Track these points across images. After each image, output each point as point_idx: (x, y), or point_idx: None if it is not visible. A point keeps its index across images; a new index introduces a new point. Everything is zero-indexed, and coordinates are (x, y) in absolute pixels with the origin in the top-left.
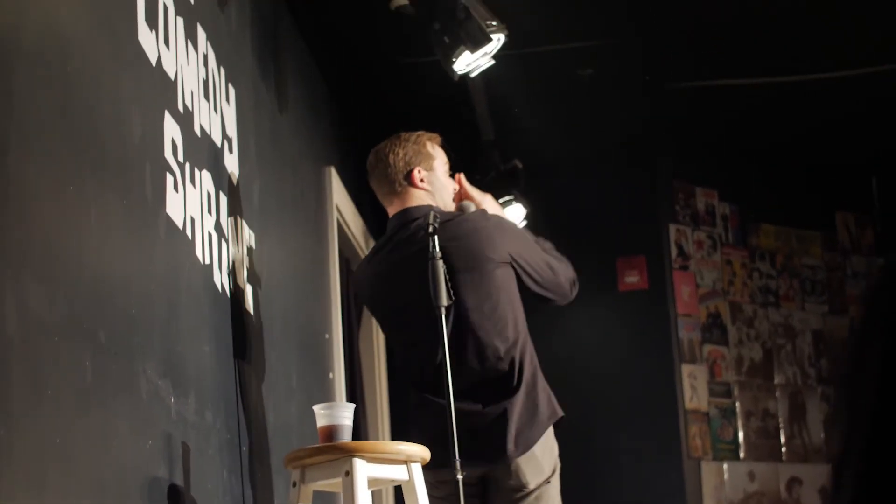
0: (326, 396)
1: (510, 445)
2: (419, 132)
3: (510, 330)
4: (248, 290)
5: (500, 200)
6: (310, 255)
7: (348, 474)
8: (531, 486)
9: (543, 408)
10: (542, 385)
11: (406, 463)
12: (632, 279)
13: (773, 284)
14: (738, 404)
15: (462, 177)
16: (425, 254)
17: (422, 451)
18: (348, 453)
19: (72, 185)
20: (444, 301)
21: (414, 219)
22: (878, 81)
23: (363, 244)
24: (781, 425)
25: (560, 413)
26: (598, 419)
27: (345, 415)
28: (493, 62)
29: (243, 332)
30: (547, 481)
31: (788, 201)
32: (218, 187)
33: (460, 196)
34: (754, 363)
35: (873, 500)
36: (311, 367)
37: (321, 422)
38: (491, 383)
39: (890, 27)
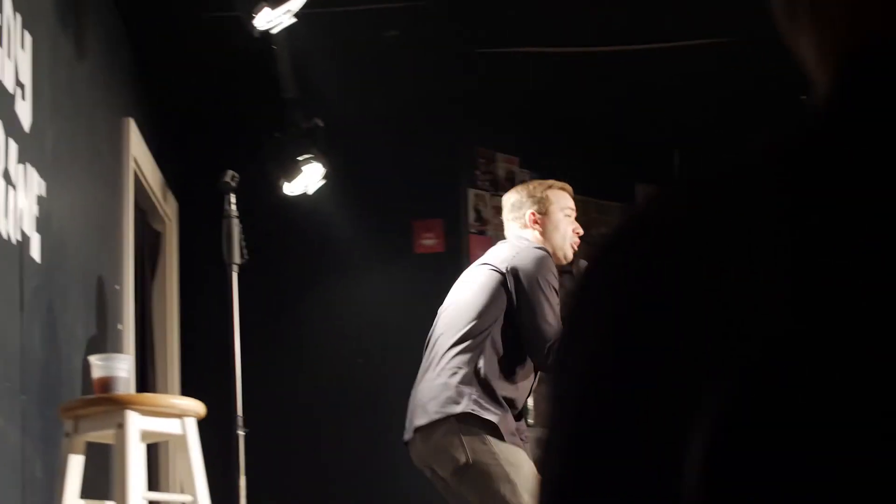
0: (114, 347)
1: None
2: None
3: None
4: (36, 238)
5: (300, 158)
6: (104, 207)
7: (121, 426)
8: None
9: None
10: None
11: (181, 417)
12: (428, 242)
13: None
14: None
15: None
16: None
17: (197, 407)
18: (122, 405)
19: None
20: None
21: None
22: (683, 56)
23: (161, 197)
24: None
25: None
26: (392, 380)
27: (121, 366)
28: (295, 20)
29: (29, 281)
30: None
31: (590, 172)
32: (8, 134)
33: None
34: None
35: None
36: (100, 318)
37: (96, 373)
38: None
39: (696, 2)
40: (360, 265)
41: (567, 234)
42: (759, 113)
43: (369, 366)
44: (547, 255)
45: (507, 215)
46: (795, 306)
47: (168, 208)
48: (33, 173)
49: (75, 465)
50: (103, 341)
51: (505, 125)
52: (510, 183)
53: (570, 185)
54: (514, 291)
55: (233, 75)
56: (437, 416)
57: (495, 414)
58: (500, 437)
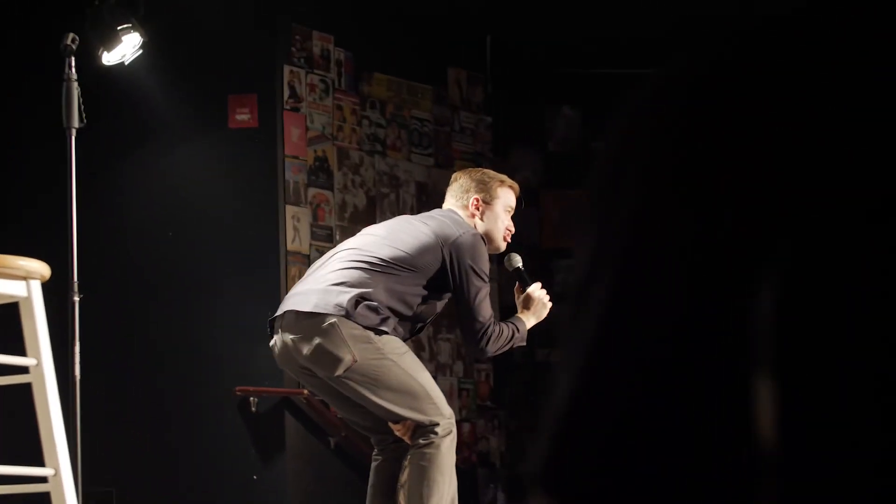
0: None
1: None
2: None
3: None
4: None
5: (119, 28)
6: None
7: None
8: None
9: None
10: None
11: (26, 279)
12: (242, 117)
13: (381, 133)
14: None
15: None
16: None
17: (41, 269)
18: None
19: None
20: None
21: None
22: None
23: None
24: None
25: None
26: (203, 254)
27: None
28: None
29: None
30: None
31: (403, 53)
32: None
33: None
34: (357, 209)
35: (626, 312)
36: None
37: None
38: None
39: None
40: (175, 137)
41: (502, 228)
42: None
43: (179, 238)
44: (484, 244)
45: (451, 192)
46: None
47: None
48: None
49: None
50: None
51: (322, 3)
52: (325, 61)
53: (383, 65)
54: (451, 268)
55: None
56: (318, 310)
57: (376, 320)
58: (383, 333)
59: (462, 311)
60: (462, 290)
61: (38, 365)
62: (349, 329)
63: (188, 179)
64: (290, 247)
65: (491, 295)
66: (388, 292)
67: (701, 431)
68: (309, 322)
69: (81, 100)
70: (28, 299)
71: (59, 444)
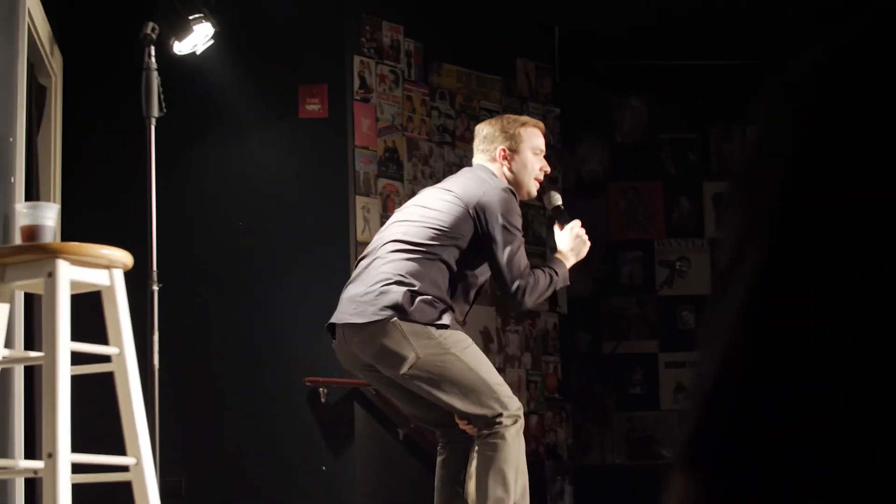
0: (8, 200)
1: None
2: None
3: None
4: None
5: (190, 17)
6: None
7: (51, 275)
8: None
9: None
10: None
11: (108, 268)
12: (313, 107)
13: (450, 124)
14: None
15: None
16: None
17: (124, 258)
18: (52, 254)
19: None
20: None
21: None
22: None
23: (49, 50)
24: None
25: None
26: (273, 244)
27: (48, 215)
28: None
29: None
30: None
31: (472, 44)
32: None
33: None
34: None
35: (773, 294)
36: None
37: (23, 221)
38: None
39: None
40: (245, 127)
41: (533, 172)
42: None
43: (250, 228)
44: (513, 196)
45: (477, 145)
46: None
47: (55, 62)
48: None
49: (1, 314)
50: (2, 193)
51: None
52: (395, 51)
53: (452, 56)
54: (482, 228)
55: None
56: (375, 318)
57: (434, 314)
58: (444, 327)
59: (495, 267)
60: (493, 246)
61: (121, 354)
62: (409, 327)
63: (259, 169)
64: (359, 237)
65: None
66: (439, 279)
67: (847, 413)
68: (368, 330)
69: (161, 89)
70: (111, 288)
71: (141, 433)
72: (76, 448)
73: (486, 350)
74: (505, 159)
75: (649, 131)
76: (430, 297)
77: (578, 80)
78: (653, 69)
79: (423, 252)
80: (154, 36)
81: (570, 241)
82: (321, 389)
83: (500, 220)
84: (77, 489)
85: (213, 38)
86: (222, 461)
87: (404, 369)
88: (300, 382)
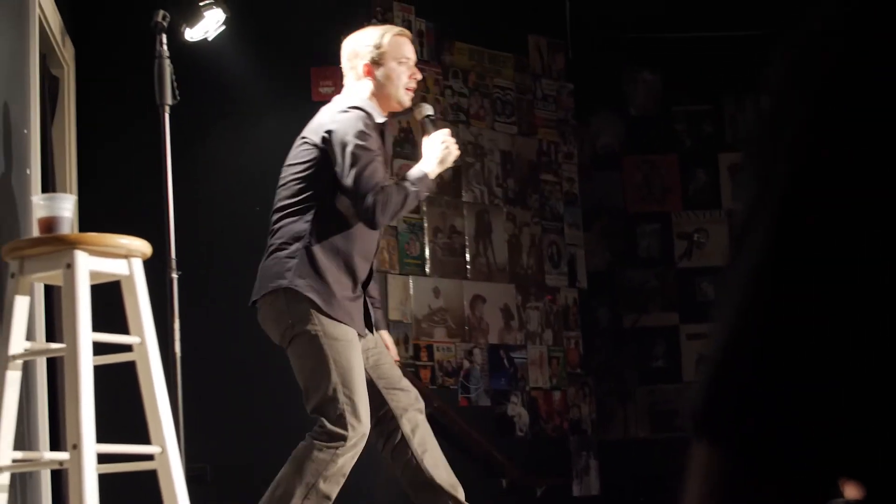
0: (25, 191)
1: None
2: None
3: None
4: None
5: (201, 4)
6: (8, 50)
7: (70, 266)
8: None
9: None
10: None
11: (127, 258)
12: (326, 89)
13: (464, 103)
14: (425, 220)
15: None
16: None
17: (143, 247)
18: (70, 245)
19: None
20: None
21: None
22: None
23: (60, 41)
24: (467, 243)
25: None
26: None
27: (65, 206)
28: None
29: None
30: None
31: (483, 22)
32: None
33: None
34: (443, 180)
35: (783, 258)
36: (11, 162)
37: (40, 213)
38: None
39: None
40: (259, 112)
41: (401, 82)
42: None
43: (266, 213)
44: (359, 114)
45: (344, 64)
46: None
47: (67, 53)
48: None
49: (21, 306)
50: (17, 187)
51: None
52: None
53: (464, 34)
54: (333, 155)
55: None
56: (264, 291)
57: (315, 290)
58: (323, 312)
59: (345, 190)
60: (340, 167)
61: (142, 343)
62: (290, 300)
63: (274, 154)
64: None
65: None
66: (315, 232)
67: (857, 376)
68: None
69: (174, 76)
70: (130, 277)
71: (165, 421)
72: (101, 438)
73: (507, 328)
74: (369, 74)
75: (663, 104)
76: (309, 271)
77: (591, 55)
78: (664, 42)
79: (294, 210)
80: (165, 24)
81: (437, 148)
82: None
83: (342, 141)
84: (103, 479)
85: (224, 23)
86: (248, 447)
87: (281, 337)
88: None
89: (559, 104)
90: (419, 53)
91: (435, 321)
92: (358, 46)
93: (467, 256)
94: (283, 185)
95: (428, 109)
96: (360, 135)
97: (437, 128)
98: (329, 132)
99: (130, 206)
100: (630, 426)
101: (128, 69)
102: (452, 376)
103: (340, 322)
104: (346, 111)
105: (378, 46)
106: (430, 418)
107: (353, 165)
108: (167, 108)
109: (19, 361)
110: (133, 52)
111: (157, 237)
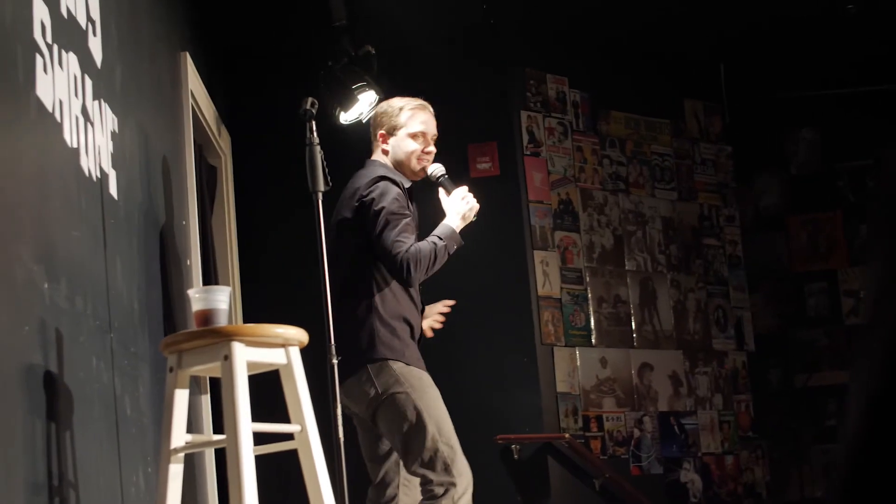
0: (185, 283)
1: None
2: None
3: None
4: (112, 175)
5: (354, 87)
6: (166, 142)
7: (227, 358)
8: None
9: None
10: None
11: (284, 347)
12: (484, 165)
13: (623, 171)
14: (589, 290)
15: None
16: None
17: (299, 335)
18: (227, 337)
19: None
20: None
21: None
22: None
23: (216, 130)
24: (632, 311)
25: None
26: (452, 308)
27: (221, 298)
28: None
29: (109, 218)
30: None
31: (638, 89)
32: (84, 70)
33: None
34: (605, 249)
35: None
36: (171, 254)
37: (197, 306)
38: None
39: None
40: (417, 190)
41: (412, 154)
42: (803, 23)
43: (430, 289)
44: (383, 182)
45: (371, 130)
46: None
47: (223, 142)
48: (107, 109)
49: (181, 400)
50: (178, 277)
51: (552, 45)
52: (561, 104)
53: (619, 103)
54: (365, 223)
55: (279, 3)
56: (349, 374)
57: (391, 348)
58: (403, 361)
59: (379, 252)
60: (373, 234)
61: (303, 431)
62: (371, 367)
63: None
64: (540, 291)
65: None
66: (380, 300)
67: None
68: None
69: (325, 163)
70: (288, 366)
71: None
72: None
73: (676, 394)
74: (385, 142)
75: (823, 161)
76: (385, 335)
77: (748, 116)
78: (822, 99)
79: (354, 285)
80: (314, 111)
81: (458, 204)
82: (513, 446)
83: (374, 206)
84: None
85: (377, 104)
86: None
87: (367, 405)
88: (491, 440)
89: (718, 167)
90: (574, 124)
91: (603, 391)
92: (379, 114)
93: (633, 325)
94: (336, 264)
95: (440, 170)
96: (386, 199)
97: (454, 185)
98: (359, 205)
99: (289, 293)
100: (806, 487)
101: (283, 155)
102: (623, 445)
103: (418, 368)
104: (369, 182)
105: (393, 116)
106: (603, 489)
107: (382, 230)
108: (320, 196)
109: (181, 454)
110: (288, 138)
111: (317, 324)
